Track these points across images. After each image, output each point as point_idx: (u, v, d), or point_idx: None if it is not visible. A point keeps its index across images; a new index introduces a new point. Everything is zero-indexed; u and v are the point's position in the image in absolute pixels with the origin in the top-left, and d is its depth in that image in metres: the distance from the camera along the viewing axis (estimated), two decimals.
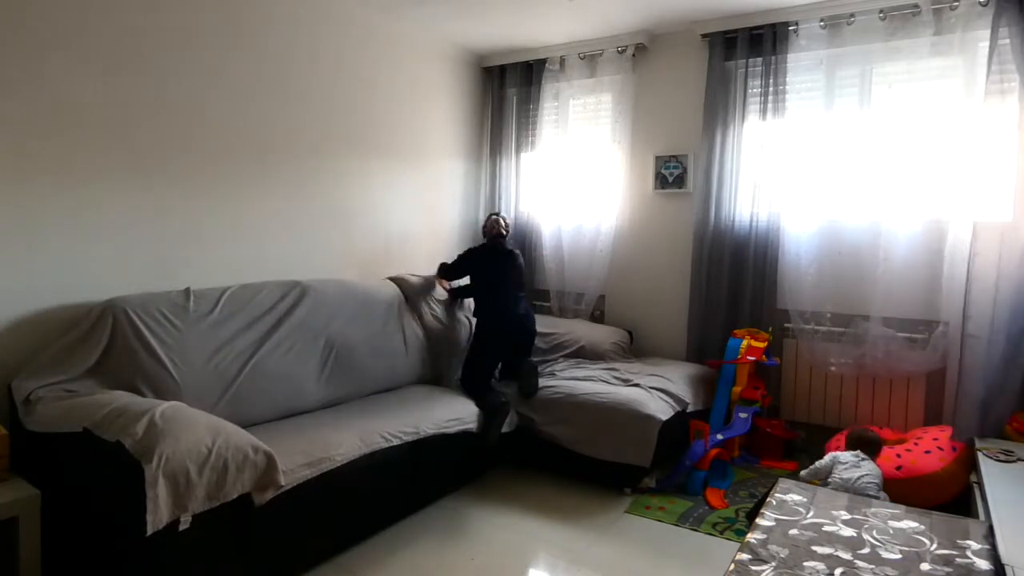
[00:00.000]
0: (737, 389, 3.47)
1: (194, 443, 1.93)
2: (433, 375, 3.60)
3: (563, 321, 4.25)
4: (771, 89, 3.61)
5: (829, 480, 2.66)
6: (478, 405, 3.14)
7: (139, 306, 2.52)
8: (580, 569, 2.45)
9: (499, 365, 3.55)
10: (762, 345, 3.53)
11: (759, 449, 3.54)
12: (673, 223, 4.09)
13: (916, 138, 3.28)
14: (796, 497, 2.14)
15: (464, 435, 2.98)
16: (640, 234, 4.23)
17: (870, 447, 2.76)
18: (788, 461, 3.46)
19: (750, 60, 3.71)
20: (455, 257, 3.80)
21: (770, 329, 3.65)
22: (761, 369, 3.64)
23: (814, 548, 1.78)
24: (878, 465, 2.69)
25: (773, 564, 1.69)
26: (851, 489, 2.52)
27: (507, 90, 4.64)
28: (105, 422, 1.98)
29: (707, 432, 3.23)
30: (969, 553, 1.78)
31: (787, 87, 3.59)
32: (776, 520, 1.95)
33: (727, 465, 3.30)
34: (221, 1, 3.01)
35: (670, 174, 4.10)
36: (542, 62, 4.42)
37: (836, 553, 1.76)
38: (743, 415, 3.38)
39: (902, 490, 2.65)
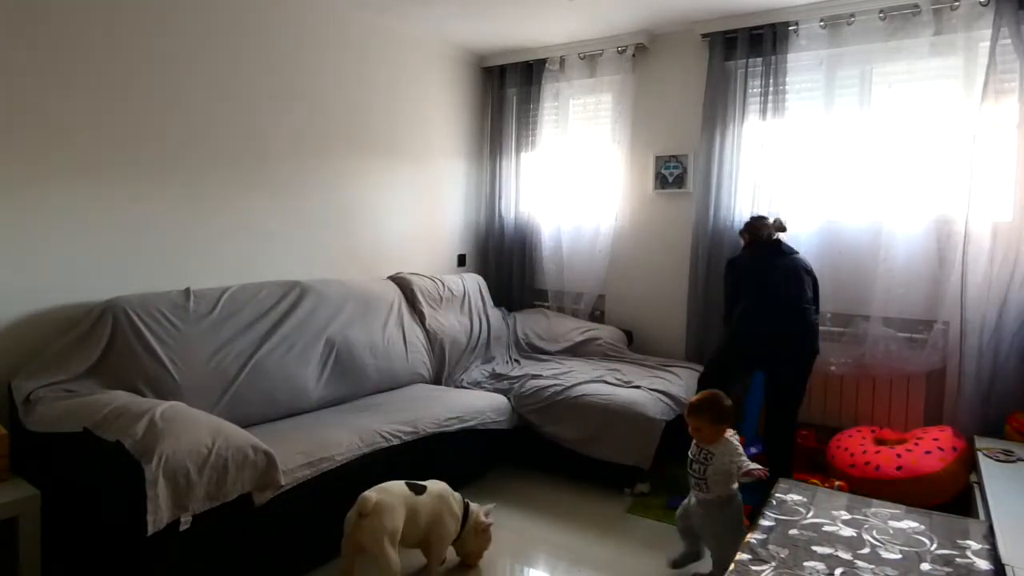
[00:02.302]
0: None
1: (194, 443, 1.93)
2: (433, 375, 3.60)
3: (562, 321, 4.25)
4: (771, 89, 3.60)
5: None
6: None
7: (139, 306, 2.52)
8: (581, 569, 2.45)
9: None
10: None
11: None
12: (673, 223, 4.09)
13: (916, 138, 3.27)
14: (796, 497, 2.14)
15: (464, 434, 2.98)
16: (640, 234, 4.22)
17: (712, 416, 2.24)
18: (816, 474, 2.99)
19: (750, 60, 3.71)
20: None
21: None
22: None
23: (814, 548, 1.78)
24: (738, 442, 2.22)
25: (773, 564, 1.69)
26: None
27: (507, 90, 4.64)
28: (105, 422, 1.99)
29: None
30: (969, 553, 1.78)
31: (787, 87, 3.58)
32: (776, 520, 1.95)
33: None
34: (223, 3, 3.01)
35: (670, 174, 4.10)
36: (542, 62, 4.42)
37: (836, 553, 1.76)
38: None
39: (902, 490, 2.66)
